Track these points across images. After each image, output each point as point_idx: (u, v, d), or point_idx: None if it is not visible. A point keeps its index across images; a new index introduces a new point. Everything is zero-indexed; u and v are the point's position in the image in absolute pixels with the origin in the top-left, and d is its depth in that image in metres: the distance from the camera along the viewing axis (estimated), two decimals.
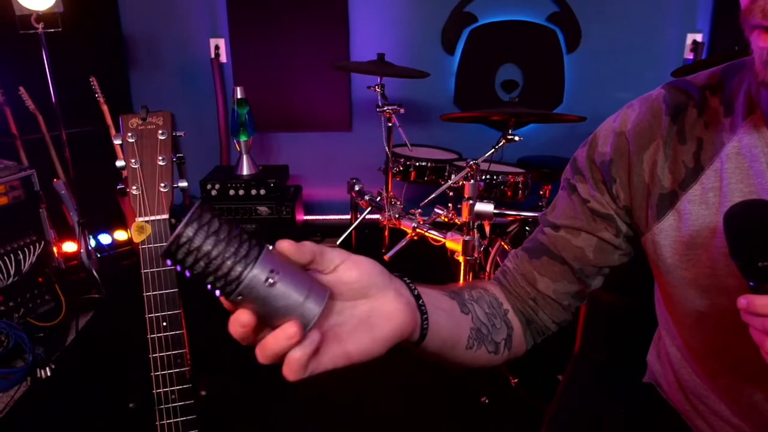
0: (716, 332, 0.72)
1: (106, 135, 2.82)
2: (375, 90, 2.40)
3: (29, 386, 2.03)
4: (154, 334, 1.00)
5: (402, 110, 2.27)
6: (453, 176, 2.28)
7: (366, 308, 0.54)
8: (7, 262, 2.12)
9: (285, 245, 0.47)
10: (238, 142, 2.91)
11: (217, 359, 2.15)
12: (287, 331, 0.45)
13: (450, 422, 1.92)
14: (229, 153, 3.43)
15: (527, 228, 2.31)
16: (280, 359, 0.47)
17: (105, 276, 2.63)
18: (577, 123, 2.16)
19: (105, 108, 2.79)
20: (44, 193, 2.29)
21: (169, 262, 0.44)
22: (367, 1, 3.23)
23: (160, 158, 1.02)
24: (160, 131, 1.03)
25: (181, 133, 1.09)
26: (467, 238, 1.86)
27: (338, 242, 2.59)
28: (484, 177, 2.28)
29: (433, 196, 2.08)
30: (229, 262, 0.44)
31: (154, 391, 1.01)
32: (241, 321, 0.46)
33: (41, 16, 2.32)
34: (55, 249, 2.36)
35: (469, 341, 0.71)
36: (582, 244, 0.78)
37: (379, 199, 2.40)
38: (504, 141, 1.94)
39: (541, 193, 2.49)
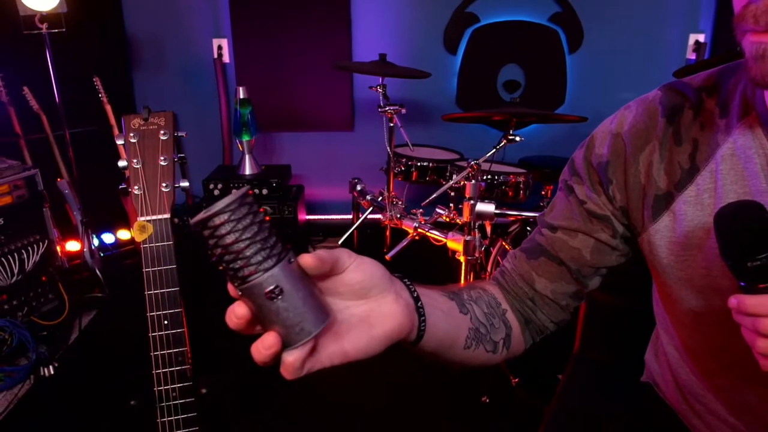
0: (712, 332, 0.72)
1: (110, 135, 2.84)
2: (377, 90, 2.41)
3: (32, 384, 2.04)
4: (155, 332, 1.01)
5: (404, 110, 2.28)
6: (454, 176, 2.29)
7: (365, 308, 0.55)
8: (11, 260, 2.14)
9: (307, 261, 0.48)
10: (241, 142, 2.93)
11: (217, 358, 2.17)
12: (265, 341, 0.47)
13: (450, 422, 1.93)
14: (232, 153, 3.44)
15: (528, 228, 2.31)
16: (272, 362, 0.48)
17: (108, 275, 2.65)
18: (578, 123, 2.16)
19: (108, 108, 2.81)
20: (48, 193, 2.30)
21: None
22: (369, 1, 3.24)
23: (162, 158, 1.03)
24: (161, 131, 1.04)
25: (183, 134, 1.10)
26: (468, 238, 1.86)
27: (340, 242, 2.60)
28: (485, 177, 2.28)
29: (434, 196, 2.09)
30: (240, 261, 0.45)
31: (155, 389, 1.02)
32: (236, 313, 0.48)
33: (45, 17, 2.34)
34: (58, 248, 2.37)
35: (467, 341, 0.72)
36: (579, 245, 0.79)
37: (381, 199, 2.41)
38: (505, 141, 1.94)
39: (543, 193, 2.49)
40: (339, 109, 3.41)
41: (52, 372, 2.09)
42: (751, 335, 0.52)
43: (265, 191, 2.85)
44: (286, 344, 0.47)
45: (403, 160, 2.54)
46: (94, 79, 2.76)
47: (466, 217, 1.85)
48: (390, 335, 0.55)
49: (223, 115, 3.37)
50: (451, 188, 2.16)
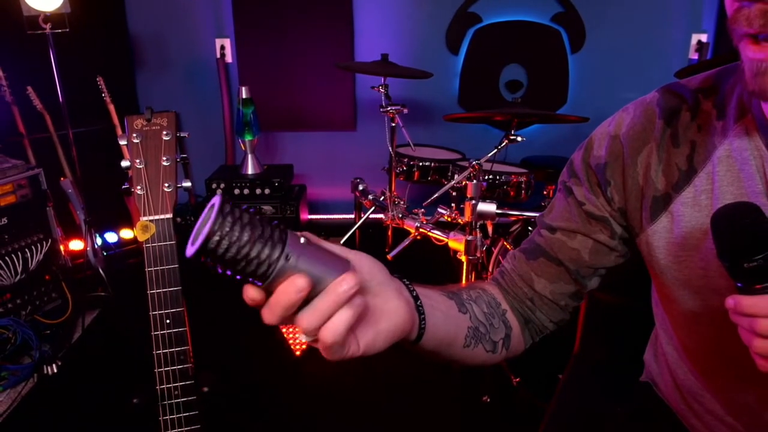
0: (710, 332, 0.73)
1: (113, 134, 2.85)
2: (379, 90, 2.42)
3: (36, 383, 2.05)
4: (157, 331, 1.02)
5: (405, 110, 2.28)
6: (456, 176, 2.29)
7: (371, 303, 0.55)
8: (15, 259, 2.15)
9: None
10: (243, 142, 2.94)
11: (219, 356, 2.18)
12: (297, 283, 0.46)
13: (452, 421, 1.93)
14: (234, 152, 3.45)
15: (530, 228, 2.31)
16: (286, 318, 0.48)
17: (111, 274, 2.66)
18: (581, 123, 2.16)
19: (111, 107, 2.81)
20: (51, 192, 2.31)
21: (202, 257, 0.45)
22: (372, 1, 3.24)
23: (164, 158, 1.04)
24: (164, 132, 1.05)
25: (185, 134, 1.11)
26: (470, 237, 1.87)
27: (342, 241, 2.60)
28: (486, 177, 2.29)
29: (436, 195, 2.09)
30: (253, 264, 0.45)
31: (157, 387, 1.03)
32: (251, 296, 0.48)
33: (49, 17, 2.34)
34: (61, 247, 2.38)
35: (467, 340, 0.72)
36: (578, 246, 0.79)
37: (383, 199, 2.42)
38: (507, 141, 1.94)
39: (545, 193, 2.50)
40: (341, 109, 3.42)
41: (55, 370, 2.10)
42: (748, 335, 0.53)
43: (267, 191, 2.86)
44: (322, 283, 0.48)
45: (405, 159, 2.54)
46: (97, 79, 2.76)
47: (467, 216, 1.85)
48: (394, 330, 0.56)
49: (225, 115, 3.38)
50: (452, 188, 2.16)
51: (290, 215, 2.88)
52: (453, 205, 2.15)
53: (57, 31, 2.39)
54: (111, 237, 2.95)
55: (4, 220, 2.11)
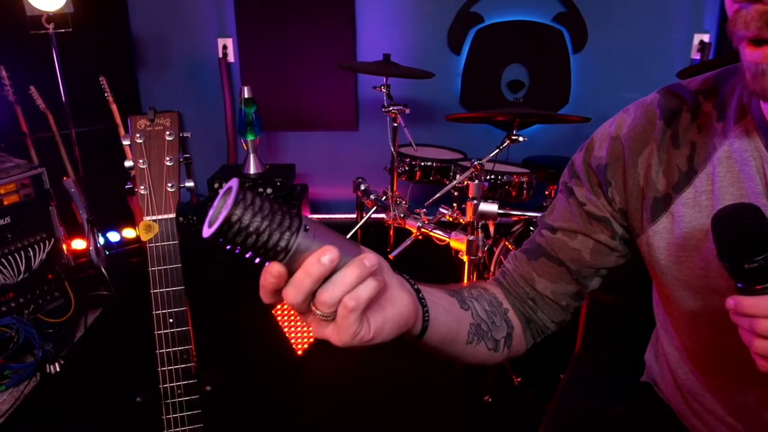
0: (710, 332, 0.73)
1: (115, 134, 2.86)
2: (381, 90, 2.42)
3: (39, 381, 2.06)
4: (160, 330, 1.03)
5: (407, 110, 2.28)
6: (458, 176, 2.29)
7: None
8: (18, 258, 2.15)
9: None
10: (245, 141, 2.94)
11: (221, 356, 2.18)
12: (328, 253, 0.47)
13: (453, 421, 1.94)
14: (237, 152, 3.46)
15: (532, 228, 2.32)
16: (309, 295, 0.48)
17: (113, 273, 2.66)
18: (582, 123, 2.17)
19: (114, 107, 2.82)
20: (54, 191, 2.31)
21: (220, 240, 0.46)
22: (374, 1, 3.25)
23: (168, 159, 1.05)
24: (167, 132, 1.05)
25: (188, 134, 1.11)
26: (471, 237, 1.87)
27: None
28: (488, 177, 2.29)
29: (437, 195, 2.10)
30: (276, 235, 0.46)
31: (160, 386, 1.04)
32: (273, 273, 0.48)
33: (52, 17, 2.35)
34: (64, 246, 2.39)
35: (469, 336, 0.73)
36: (579, 246, 0.80)
37: (385, 199, 2.42)
38: (508, 141, 1.95)
39: (546, 193, 2.49)
40: (343, 108, 3.42)
41: (58, 369, 2.11)
42: (749, 336, 0.53)
43: (269, 190, 2.87)
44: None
45: (407, 159, 2.55)
46: (99, 79, 2.77)
47: (469, 216, 1.85)
48: (400, 319, 0.56)
49: (227, 115, 3.38)
50: (454, 188, 2.16)
51: None
52: (455, 205, 2.16)
53: (60, 30, 2.40)
54: (113, 236, 2.96)
55: (7, 220, 2.12)
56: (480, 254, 1.88)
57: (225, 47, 3.31)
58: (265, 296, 0.50)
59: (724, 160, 0.66)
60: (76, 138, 2.60)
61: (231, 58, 3.34)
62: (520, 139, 1.93)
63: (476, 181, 1.83)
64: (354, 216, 2.96)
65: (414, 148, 2.49)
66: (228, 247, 0.46)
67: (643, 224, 0.74)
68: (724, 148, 0.66)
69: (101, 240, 2.72)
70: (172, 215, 1.03)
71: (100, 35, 3.00)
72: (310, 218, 0.49)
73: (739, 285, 0.53)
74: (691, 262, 0.69)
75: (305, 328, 2.24)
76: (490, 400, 1.94)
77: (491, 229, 2.14)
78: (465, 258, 1.90)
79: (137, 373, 1.69)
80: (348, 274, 0.48)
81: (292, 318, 2.26)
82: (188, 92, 3.40)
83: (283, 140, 3.55)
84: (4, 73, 2.53)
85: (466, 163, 2.50)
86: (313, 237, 0.47)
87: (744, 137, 0.65)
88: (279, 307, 2.25)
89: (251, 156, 2.96)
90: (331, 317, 0.49)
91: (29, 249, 2.20)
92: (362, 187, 2.56)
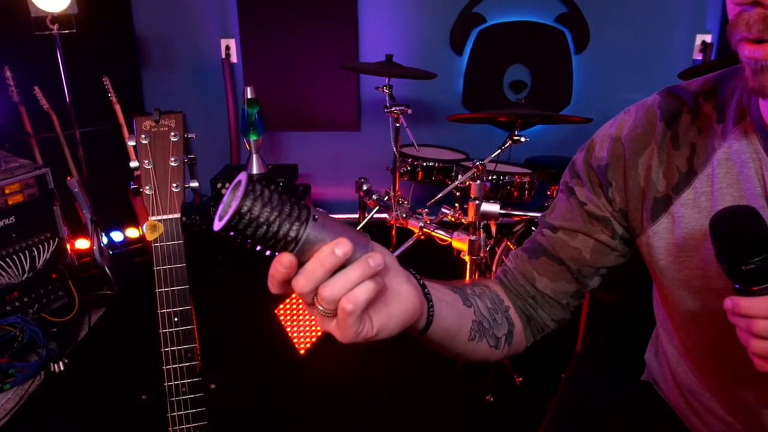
0: (709, 332, 0.74)
1: (119, 134, 2.87)
2: (383, 90, 2.43)
3: (43, 380, 2.07)
4: (165, 329, 1.04)
5: (410, 111, 2.29)
6: (460, 176, 2.30)
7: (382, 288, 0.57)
8: (22, 258, 2.17)
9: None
10: (248, 142, 2.95)
11: (225, 355, 2.19)
12: (342, 245, 0.48)
13: (455, 420, 1.94)
14: (239, 152, 3.47)
15: (533, 228, 2.32)
16: (317, 286, 0.49)
17: (117, 273, 2.68)
18: (584, 124, 2.17)
19: (117, 107, 2.84)
20: (58, 191, 2.33)
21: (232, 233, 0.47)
22: (376, 2, 3.26)
23: (173, 159, 1.06)
24: (172, 133, 1.06)
25: (192, 135, 1.12)
26: (473, 237, 1.88)
27: None
28: (490, 177, 2.30)
29: (439, 195, 2.11)
30: (287, 224, 0.47)
31: (165, 384, 1.05)
32: (284, 263, 0.49)
33: (56, 18, 2.37)
34: (68, 246, 2.40)
35: (471, 333, 0.74)
36: (579, 246, 0.80)
37: (387, 199, 2.43)
38: (510, 142, 1.96)
39: (548, 193, 2.50)
40: (345, 109, 3.43)
41: (62, 368, 2.12)
42: (746, 336, 0.54)
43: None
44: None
45: (409, 160, 2.55)
46: (103, 79, 2.79)
47: (471, 217, 1.86)
48: (405, 315, 0.57)
49: (230, 115, 3.40)
50: (456, 188, 2.17)
51: None
52: (457, 205, 2.16)
53: (64, 31, 2.41)
54: (117, 236, 2.97)
55: (12, 219, 2.13)
56: (482, 254, 1.89)
57: (228, 48, 3.32)
58: (274, 287, 0.51)
59: (723, 162, 0.67)
60: (79, 138, 2.61)
61: (234, 58, 3.35)
62: (522, 139, 1.94)
63: (478, 182, 1.83)
64: (356, 216, 2.97)
65: (416, 148, 2.49)
66: (239, 239, 0.47)
67: (643, 224, 0.74)
68: (724, 150, 0.67)
69: (105, 240, 2.73)
70: (177, 215, 1.04)
71: (104, 36, 3.01)
72: (319, 209, 0.50)
73: (737, 286, 0.54)
74: (691, 262, 0.70)
75: (308, 328, 2.25)
76: (491, 399, 1.95)
77: (493, 229, 2.15)
78: (467, 258, 1.91)
79: (140, 371, 1.70)
80: (351, 273, 0.49)
81: (295, 318, 2.26)
82: (191, 92, 3.42)
83: (286, 140, 3.56)
84: (8, 73, 2.54)
85: (468, 164, 2.50)
86: (322, 227, 0.48)
87: (743, 139, 0.65)
88: (282, 306, 2.26)
89: (254, 156, 2.97)
90: (332, 314, 0.50)
91: (33, 248, 2.21)
92: (364, 187, 2.56)
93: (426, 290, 0.63)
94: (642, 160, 0.73)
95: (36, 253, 2.22)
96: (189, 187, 1.08)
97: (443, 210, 2.10)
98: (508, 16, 3.26)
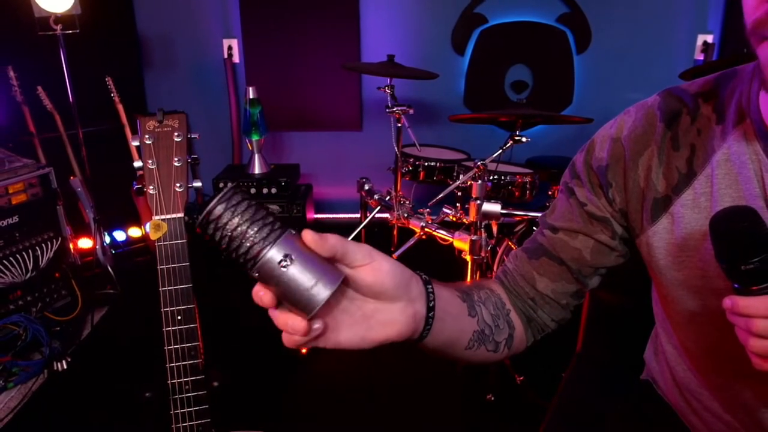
0: (708, 331, 0.74)
1: (121, 134, 2.88)
2: (385, 91, 2.43)
3: (46, 378, 2.08)
4: (169, 327, 1.05)
5: (411, 111, 2.30)
6: (461, 176, 2.31)
7: (372, 308, 0.58)
8: (26, 257, 2.18)
9: (308, 237, 0.51)
10: (250, 141, 2.96)
11: (228, 353, 2.20)
12: (296, 327, 0.52)
13: (456, 420, 1.95)
14: (241, 152, 3.48)
15: (534, 228, 2.33)
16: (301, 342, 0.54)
17: (119, 272, 2.69)
18: (585, 124, 2.17)
19: (120, 107, 2.85)
20: (61, 191, 2.34)
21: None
22: (378, 2, 3.26)
23: (176, 159, 1.06)
24: (175, 133, 1.07)
25: (196, 135, 1.13)
26: (475, 237, 1.88)
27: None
28: (491, 177, 2.30)
29: (441, 195, 2.11)
30: (247, 243, 0.49)
31: (168, 382, 1.06)
32: (258, 296, 0.52)
33: (60, 19, 2.38)
34: (71, 245, 2.41)
35: (470, 343, 0.74)
36: (580, 246, 0.81)
37: (389, 199, 2.43)
38: (511, 142, 1.96)
39: (550, 193, 2.51)
40: (347, 109, 3.44)
41: (65, 366, 2.13)
42: (745, 335, 0.54)
43: (274, 190, 2.89)
44: (308, 308, 0.50)
45: (411, 160, 2.56)
46: (106, 79, 2.80)
47: (472, 216, 1.87)
48: (384, 340, 0.59)
49: (232, 115, 3.40)
50: (457, 188, 2.18)
51: (296, 214, 2.90)
52: (458, 205, 2.17)
53: (67, 32, 2.42)
54: (119, 235, 2.98)
55: (15, 219, 2.14)
56: (483, 254, 1.89)
57: (230, 48, 3.33)
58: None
59: (722, 163, 0.67)
60: (82, 138, 2.63)
61: (236, 58, 3.36)
62: (524, 139, 1.95)
63: (479, 181, 1.84)
64: (358, 216, 2.97)
65: (418, 148, 2.50)
66: (213, 244, 0.49)
67: (643, 225, 0.75)
68: (723, 151, 0.67)
69: (107, 239, 2.74)
70: (181, 214, 1.05)
71: (107, 36, 3.02)
72: (293, 237, 0.51)
73: (736, 285, 0.54)
74: (690, 262, 0.70)
75: None
76: (492, 398, 1.95)
77: (494, 228, 2.15)
78: (468, 258, 1.91)
79: (142, 369, 1.71)
80: (281, 320, 0.53)
81: None
82: (194, 92, 3.43)
83: (288, 140, 3.57)
84: (12, 73, 2.55)
85: (470, 164, 2.51)
86: (275, 266, 0.49)
87: (742, 140, 0.66)
88: None
89: (256, 156, 2.98)
90: None
91: (37, 248, 2.22)
92: (366, 187, 2.57)
93: (431, 314, 0.63)
94: (642, 160, 0.73)
95: (39, 252, 2.24)
96: (192, 186, 1.09)
97: (444, 210, 2.10)
98: (510, 17, 3.27)
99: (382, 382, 2.11)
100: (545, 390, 1.89)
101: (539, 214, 2.08)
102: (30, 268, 2.20)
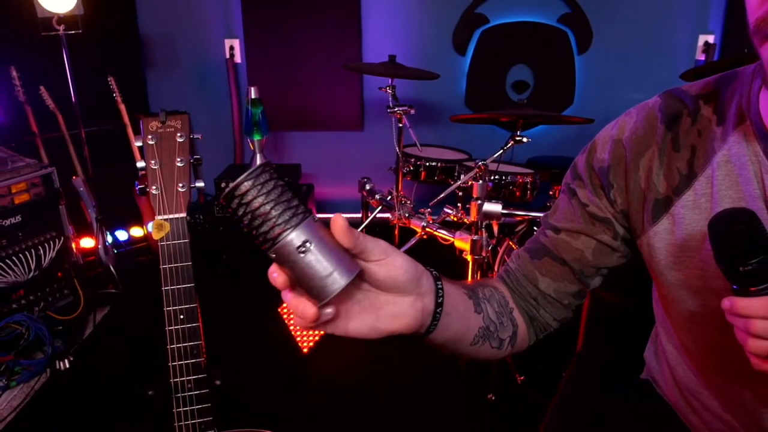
0: (707, 332, 0.74)
1: (124, 134, 2.89)
2: (386, 91, 2.44)
3: (49, 377, 2.09)
4: (171, 326, 1.05)
5: (412, 111, 2.30)
6: (462, 176, 2.31)
7: (383, 300, 0.60)
8: (29, 256, 2.18)
9: (339, 223, 0.52)
10: (252, 141, 2.96)
11: (230, 352, 2.21)
12: (306, 313, 0.51)
13: (457, 419, 1.95)
14: (243, 152, 3.48)
15: (535, 228, 2.33)
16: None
17: (121, 271, 2.70)
18: (586, 124, 2.18)
19: (122, 107, 2.85)
20: (63, 190, 2.35)
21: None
22: (379, 2, 3.27)
23: (178, 159, 1.07)
24: (178, 134, 1.08)
25: (198, 136, 1.13)
26: (475, 237, 1.89)
27: None
28: (492, 177, 2.31)
29: (442, 195, 2.11)
30: (269, 223, 0.49)
31: (171, 380, 1.06)
32: (273, 276, 0.52)
33: (62, 19, 2.39)
34: (73, 245, 2.42)
35: (475, 339, 0.75)
36: (581, 246, 0.81)
37: (390, 199, 2.44)
38: (512, 142, 1.96)
39: (551, 193, 2.51)
40: (349, 109, 3.45)
41: (67, 365, 2.14)
42: (743, 335, 0.55)
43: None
44: (321, 296, 0.51)
45: (412, 160, 2.57)
46: (108, 79, 2.80)
47: (473, 216, 1.87)
48: (392, 331, 0.60)
49: (234, 115, 3.41)
50: (458, 188, 2.18)
51: None
52: (459, 205, 2.17)
53: (70, 32, 2.43)
54: (121, 235, 2.99)
55: (18, 218, 2.15)
56: (484, 254, 1.90)
57: (232, 48, 3.34)
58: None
59: (722, 164, 0.67)
60: (85, 138, 2.63)
61: (238, 58, 3.37)
62: (525, 139, 1.95)
63: (480, 182, 1.84)
64: (359, 215, 2.97)
65: (419, 148, 2.50)
66: (235, 218, 0.49)
67: (644, 225, 0.75)
68: (723, 152, 0.68)
69: (110, 238, 2.75)
70: (183, 214, 1.05)
71: (109, 36, 3.03)
72: (315, 222, 0.51)
73: (735, 286, 0.55)
74: (690, 263, 0.71)
75: None
76: (493, 398, 1.96)
77: (495, 228, 2.15)
78: (469, 257, 1.92)
79: (145, 368, 1.72)
80: (296, 305, 0.53)
81: None
82: (196, 92, 3.44)
83: (290, 140, 3.57)
84: (14, 73, 2.56)
85: (471, 164, 2.51)
86: (294, 248, 0.49)
87: (742, 142, 0.66)
88: (285, 305, 2.28)
89: (258, 156, 2.99)
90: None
91: (39, 247, 2.23)
92: (367, 187, 2.57)
93: (438, 310, 0.65)
94: (643, 161, 0.74)
95: (42, 251, 2.24)
96: (195, 187, 1.09)
97: (446, 210, 2.11)
98: (511, 17, 3.27)
99: (382, 382, 2.12)
100: (545, 389, 1.89)
101: (540, 215, 2.09)
102: (32, 267, 2.20)
